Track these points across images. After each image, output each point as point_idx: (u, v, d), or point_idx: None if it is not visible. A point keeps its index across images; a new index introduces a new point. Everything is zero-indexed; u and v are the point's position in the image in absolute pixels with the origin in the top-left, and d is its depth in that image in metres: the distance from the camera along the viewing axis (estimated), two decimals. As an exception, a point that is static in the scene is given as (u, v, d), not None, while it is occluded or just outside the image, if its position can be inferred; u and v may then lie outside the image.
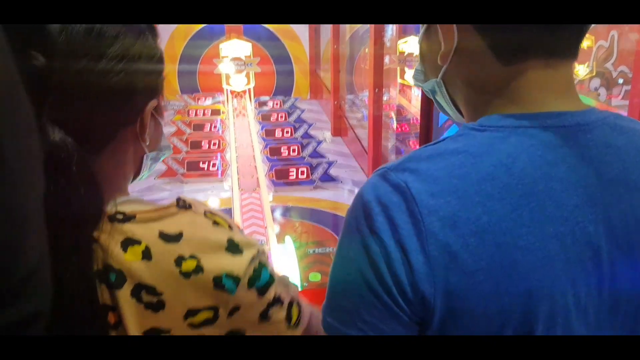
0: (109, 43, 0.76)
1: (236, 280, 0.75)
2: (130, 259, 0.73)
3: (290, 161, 2.13)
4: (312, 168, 2.05)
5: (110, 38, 0.77)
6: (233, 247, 0.76)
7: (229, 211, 1.85)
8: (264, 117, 2.52)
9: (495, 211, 0.59)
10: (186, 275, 0.73)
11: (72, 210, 0.70)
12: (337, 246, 0.68)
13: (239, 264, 0.76)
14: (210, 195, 1.98)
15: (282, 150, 2.19)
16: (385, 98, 2.07)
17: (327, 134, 2.40)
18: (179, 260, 0.73)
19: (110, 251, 0.72)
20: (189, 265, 0.73)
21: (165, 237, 0.74)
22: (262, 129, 2.36)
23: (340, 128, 2.41)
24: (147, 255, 0.72)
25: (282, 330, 0.77)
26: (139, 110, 0.79)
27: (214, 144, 2.21)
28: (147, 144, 0.82)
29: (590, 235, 0.64)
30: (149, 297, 0.69)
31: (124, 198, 0.78)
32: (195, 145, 2.19)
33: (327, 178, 2.04)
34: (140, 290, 0.70)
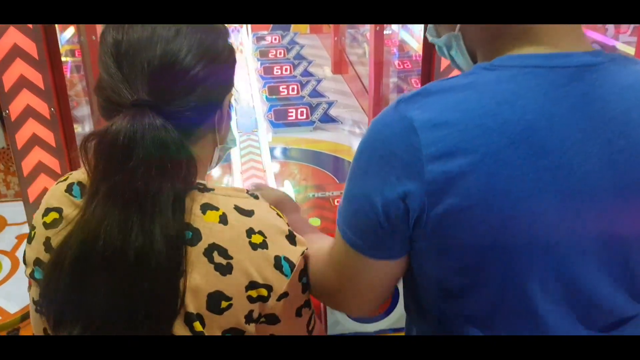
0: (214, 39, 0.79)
1: (292, 265, 0.81)
2: (209, 220, 0.77)
3: (289, 101, 2.09)
4: (312, 108, 2.01)
5: (214, 34, 0.80)
6: (290, 237, 0.83)
7: (227, 153, 1.83)
8: (262, 54, 2.46)
9: (494, 143, 0.65)
10: (254, 246, 0.78)
11: (169, 180, 0.74)
12: (351, 164, 0.74)
13: (294, 253, 0.82)
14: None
15: (281, 89, 2.14)
16: (386, 32, 2.00)
17: (327, 71, 2.34)
18: (250, 232, 0.79)
19: (190, 212, 0.77)
20: (257, 238, 0.79)
21: (240, 210, 0.80)
22: (260, 66, 2.30)
23: (340, 65, 2.35)
24: (224, 219, 0.78)
25: (302, 331, 0.87)
26: (220, 101, 0.82)
27: (212, 83, 2.15)
28: (222, 134, 0.86)
29: (588, 169, 0.67)
30: (220, 258, 0.77)
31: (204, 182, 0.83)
32: (193, 84, 2.14)
33: (327, 119, 2.00)
34: (213, 250, 0.77)
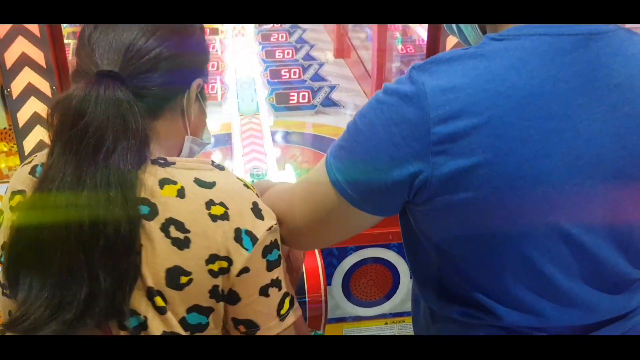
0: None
1: (254, 240, 0.79)
2: (165, 195, 0.77)
3: (291, 84, 2.08)
4: (314, 92, 2.00)
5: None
6: (256, 211, 0.80)
7: (228, 136, 1.82)
8: (264, 37, 2.44)
9: (500, 106, 0.66)
10: (213, 218, 0.77)
11: (126, 154, 0.74)
12: (358, 112, 0.75)
13: (259, 227, 0.80)
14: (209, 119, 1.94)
15: (282, 73, 2.13)
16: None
17: (329, 56, 2.33)
18: (209, 204, 0.78)
19: (147, 187, 0.76)
20: (217, 209, 0.78)
21: (200, 182, 0.79)
22: (262, 49, 2.29)
23: (343, 49, 2.33)
24: (181, 193, 0.77)
25: (271, 315, 0.81)
26: (187, 84, 0.84)
27: (213, 66, 2.14)
28: (192, 120, 0.86)
29: (594, 133, 0.68)
30: (177, 232, 0.76)
31: (170, 157, 0.81)
32: (194, 66, 2.12)
33: (329, 102, 1.99)
34: (169, 224, 0.76)
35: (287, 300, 0.85)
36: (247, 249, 0.78)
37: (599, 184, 0.71)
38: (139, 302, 0.78)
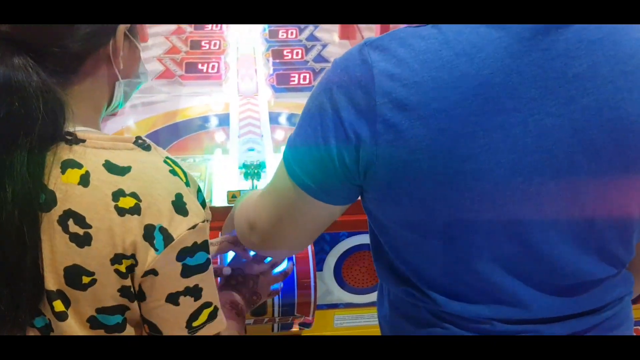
0: None
1: (167, 239, 0.68)
2: (66, 181, 0.66)
3: (292, 65, 2.04)
4: (315, 73, 1.96)
5: None
6: (179, 205, 0.69)
7: (226, 116, 1.79)
8: (269, 17, 2.39)
9: (447, 98, 0.64)
10: (120, 211, 0.66)
11: (23, 131, 0.64)
12: (311, 94, 0.74)
13: (177, 224, 0.68)
14: (208, 99, 1.91)
15: (285, 53, 2.09)
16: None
17: (334, 37, 2.28)
18: (118, 194, 0.66)
19: (48, 170, 0.66)
20: (126, 201, 0.66)
21: (110, 167, 0.67)
22: (265, 29, 2.25)
23: (348, 31, 2.28)
24: (85, 180, 0.66)
25: (178, 325, 0.70)
26: (110, 30, 0.72)
27: (215, 45, 2.11)
28: (121, 68, 0.77)
29: (546, 128, 0.65)
30: (76, 227, 0.66)
31: (89, 129, 0.73)
32: (195, 45, 2.09)
33: (330, 85, 1.95)
34: (68, 217, 0.66)
35: (205, 312, 0.75)
36: (157, 250, 0.68)
37: (550, 181, 0.68)
38: (43, 305, 0.70)
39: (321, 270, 1.45)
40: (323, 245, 1.43)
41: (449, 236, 0.72)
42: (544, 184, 0.67)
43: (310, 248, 1.35)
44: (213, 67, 2.00)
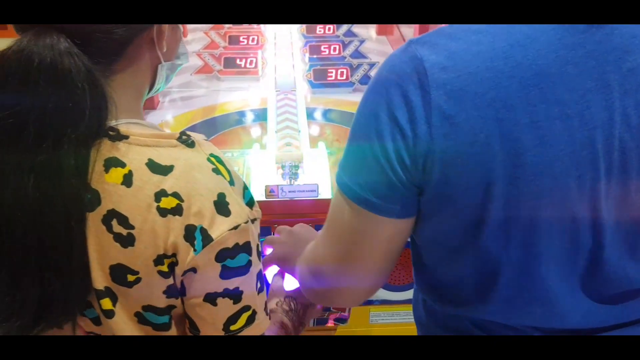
0: None
1: (206, 240, 0.66)
2: (110, 181, 0.65)
3: (329, 61, 2.04)
4: (352, 69, 1.96)
5: None
6: (221, 205, 0.67)
7: (264, 111, 1.80)
8: (306, 12, 2.39)
9: (504, 88, 0.63)
10: (162, 212, 0.65)
11: (71, 126, 0.63)
12: (360, 100, 0.71)
13: (217, 225, 0.67)
14: (246, 94, 1.92)
15: (322, 49, 2.09)
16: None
17: (372, 33, 2.27)
18: (160, 195, 0.65)
19: (92, 167, 0.64)
20: (168, 202, 0.65)
21: (153, 166, 0.66)
22: (303, 24, 2.25)
23: (386, 26, 2.27)
24: (128, 180, 0.65)
25: (215, 327, 0.69)
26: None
27: (253, 40, 2.12)
28: (164, 51, 0.76)
29: (601, 121, 0.64)
30: (119, 227, 0.66)
31: (132, 120, 0.71)
32: (234, 40, 2.11)
33: (368, 80, 1.94)
34: (112, 217, 0.65)
35: (244, 316, 0.72)
36: (195, 250, 0.67)
37: (603, 177, 0.65)
38: (92, 299, 0.71)
39: (357, 266, 1.45)
40: (360, 241, 1.43)
41: (504, 236, 0.69)
42: (597, 180, 0.65)
43: (347, 244, 1.35)
44: (251, 62, 2.01)
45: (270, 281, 1.12)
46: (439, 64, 0.64)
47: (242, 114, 1.81)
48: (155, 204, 0.66)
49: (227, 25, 2.21)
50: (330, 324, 1.48)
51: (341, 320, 1.45)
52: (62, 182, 0.63)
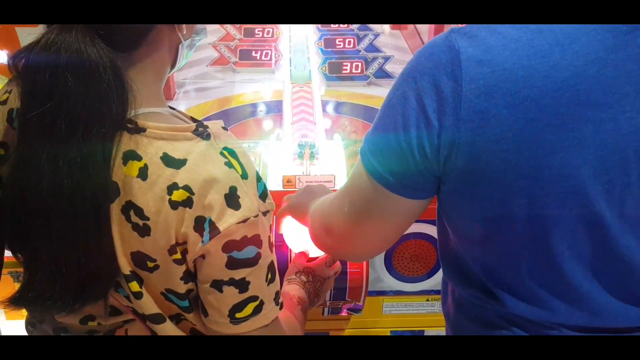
0: None
1: (214, 232, 0.68)
2: (128, 173, 0.68)
3: (344, 54, 2.05)
4: (367, 63, 1.97)
5: None
6: (232, 198, 0.69)
7: (279, 103, 1.82)
8: (321, 6, 2.40)
9: (538, 87, 0.62)
10: (174, 205, 0.68)
11: (98, 117, 0.65)
12: (394, 84, 0.72)
13: (226, 217, 0.68)
14: (261, 86, 1.94)
15: (337, 42, 2.10)
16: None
17: (386, 27, 2.28)
18: (172, 188, 0.67)
19: (112, 160, 0.67)
20: (179, 194, 0.67)
21: (167, 160, 0.68)
22: (317, 18, 2.26)
23: (400, 20, 2.27)
24: (143, 173, 0.67)
25: (220, 312, 0.71)
26: None
27: (268, 33, 2.13)
28: (184, 32, 0.75)
29: (637, 127, 0.62)
30: (136, 218, 0.68)
31: (151, 109, 0.68)
32: (249, 33, 2.12)
33: (382, 74, 1.96)
34: (129, 208, 0.69)
35: (250, 305, 0.75)
36: (203, 241, 0.69)
37: (635, 182, 0.65)
38: (122, 282, 0.75)
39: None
40: (375, 232, 1.45)
41: (528, 233, 0.69)
42: (629, 186, 0.65)
43: (363, 234, 1.37)
44: (266, 54, 2.02)
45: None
46: (475, 57, 0.64)
47: (257, 105, 1.83)
48: (168, 197, 0.68)
49: (242, 18, 2.22)
50: (344, 313, 1.49)
51: (355, 310, 1.47)
52: (90, 173, 0.66)
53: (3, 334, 1.38)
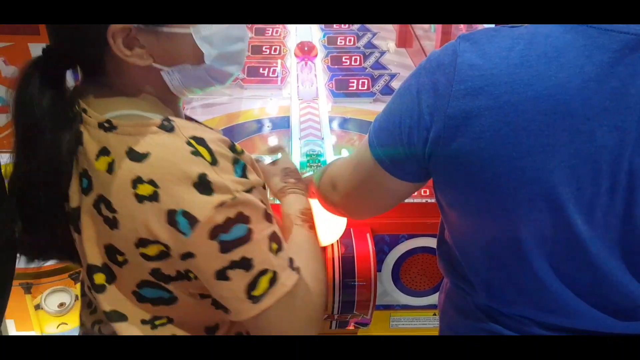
0: None
1: (192, 222, 0.67)
2: (99, 168, 0.71)
3: (351, 71, 2.08)
4: (373, 80, 2.00)
5: None
6: (203, 185, 0.67)
7: (287, 119, 1.84)
8: (327, 24, 2.44)
9: (519, 93, 0.65)
10: (140, 199, 0.68)
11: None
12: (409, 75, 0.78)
13: (201, 205, 0.67)
14: (268, 102, 1.96)
15: (343, 60, 2.13)
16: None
17: (391, 45, 2.31)
18: (136, 182, 0.68)
19: (88, 156, 0.72)
20: (144, 189, 0.68)
21: (131, 154, 0.69)
22: (324, 36, 2.29)
23: (405, 39, 2.31)
24: (111, 168, 0.70)
25: (239, 299, 0.74)
26: (93, 34, 0.69)
27: (275, 50, 2.16)
28: (147, 64, 0.72)
29: (610, 141, 0.64)
30: (107, 211, 0.71)
31: (128, 112, 0.74)
32: (256, 50, 2.15)
33: (388, 91, 1.98)
34: (100, 201, 0.71)
35: (263, 279, 0.72)
36: (184, 233, 0.68)
37: (604, 194, 0.67)
38: (85, 274, 0.79)
39: (380, 270, 1.47)
40: (383, 246, 1.46)
41: (501, 230, 0.73)
42: (598, 197, 0.67)
43: (371, 248, 1.38)
44: (274, 71, 2.05)
45: None
46: (469, 61, 0.68)
47: (265, 121, 1.85)
48: (133, 191, 0.68)
49: (249, 35, 2.26)
50: (351, 327, 1.50)
51: (362, 324, 1.48)
52: (62, 170, 0.74)
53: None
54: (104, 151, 0.71)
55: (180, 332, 0.81)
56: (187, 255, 0.70)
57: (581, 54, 0.65)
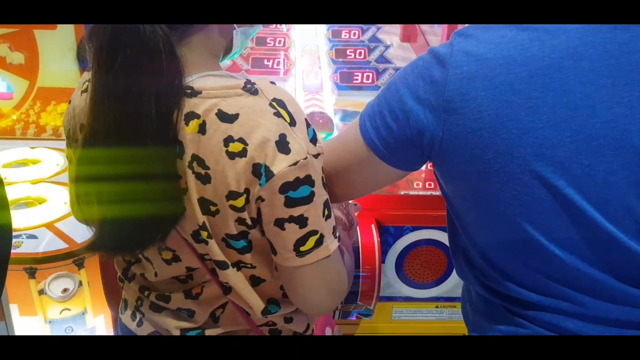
0: None
1: (269, 175, 0.77)
2: (190, 131, 0.77)
3: (355, 64, 2.08)
4: (378, 73, 2.00)
5: None
6: (282, 144, 0.77)
7: (291, 111, 1.84)
8: (331, 17, 2.44)
9: (514, 74, 0.67)
10: (231, 155, 0.76)
11: (154, 85, 0.74)
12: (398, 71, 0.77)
13: (279, 162, 0.76)
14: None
15: (348, 53, 2.13)
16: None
17: (396, 39, 2.31)
18: (228, 140, 0.76)
19: (177, 124, 0.77)
20: (235, 146, 0.76)
21: (222, 116, 0.76)
22: (328, 29, 2.29)
23: (410, 33, 2.31)
24: (202, 128, 0.77)
25: (287, 248, 0.82)
26: None
27: (279, 42, 2.16)
28: None
29: (615, 116, 0.66)
30: (199, 168, 0.78)
31: (205, 73, 0.80)
32: (261, 41, 2.15)
33: (393, 84, 1.98)
34: (193, 161, 0.78)
35: (312, 239, 0.81)
36: (260, 184, 0.77)
37: (619, 170, 0.67)
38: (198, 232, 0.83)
39: (383, 262, 1.48)
40: (387, 237, 1.47)
41: (511, 213, 0.72)
42: (612, 173, 0.67)
43: (376, 239, 1.38)
44: (278, 62, 2.05)
45: None
46: (464, 49, 0.71)
47: (269, 112, 1.85)
48: (225, 149, 0.76)
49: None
50: (354, 317, 1.51)
51: (365, 314, 1.48)
52: (153, 139, 0.76)
53: (17, 329, 1.38)
54: (191, 115, 0.76)
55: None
56: (259, 199, 0.79)
57: (573, 36, 0.67)
